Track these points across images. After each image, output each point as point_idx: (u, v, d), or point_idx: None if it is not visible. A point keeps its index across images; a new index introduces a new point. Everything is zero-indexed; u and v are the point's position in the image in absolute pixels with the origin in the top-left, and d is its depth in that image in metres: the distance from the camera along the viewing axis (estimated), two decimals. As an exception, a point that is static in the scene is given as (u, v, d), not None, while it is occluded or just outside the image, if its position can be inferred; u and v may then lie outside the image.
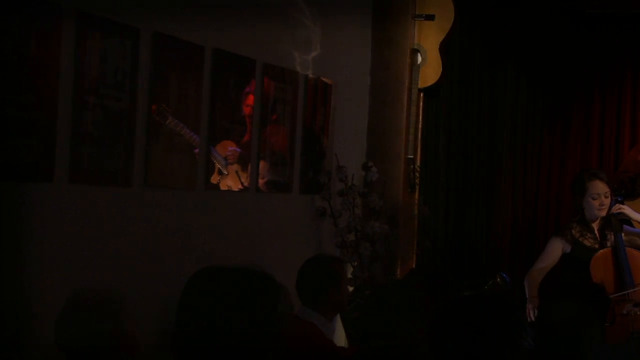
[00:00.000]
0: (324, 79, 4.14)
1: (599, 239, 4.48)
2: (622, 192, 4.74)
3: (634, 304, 4.32)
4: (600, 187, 4.40)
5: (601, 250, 4.39)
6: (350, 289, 3.88)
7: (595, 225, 4.49)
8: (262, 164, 3.73)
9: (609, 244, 4.44)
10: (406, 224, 4.51)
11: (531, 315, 4.23)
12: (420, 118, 4.64)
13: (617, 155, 5.69)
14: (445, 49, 4.56)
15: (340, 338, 3.81)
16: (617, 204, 4.52)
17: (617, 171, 5.32)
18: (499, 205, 5.52)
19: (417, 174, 4.60)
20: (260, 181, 3.74)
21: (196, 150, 3.35)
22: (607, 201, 4.42)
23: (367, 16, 4.44)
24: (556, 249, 4.53)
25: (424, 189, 4.76)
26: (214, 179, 3.48)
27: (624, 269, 4.35)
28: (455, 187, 5.11)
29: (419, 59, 4.54)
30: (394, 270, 4.34)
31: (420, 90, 4.55)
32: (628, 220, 4.55)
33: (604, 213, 4.43)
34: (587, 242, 4.49)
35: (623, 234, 4.44)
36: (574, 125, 5.87)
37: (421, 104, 4.63)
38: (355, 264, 4.05)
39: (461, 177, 5.17)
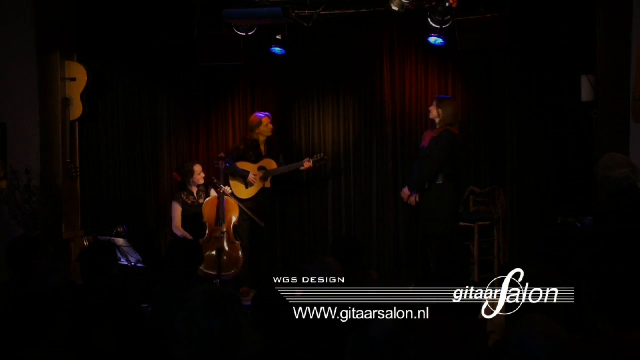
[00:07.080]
0: (2, 121, 7.44)
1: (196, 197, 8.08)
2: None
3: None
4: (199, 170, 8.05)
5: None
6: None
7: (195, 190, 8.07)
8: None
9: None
10: (69, 198, 7.87)
11: None
12: (77, 136, 7.98)
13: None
14: (84, 96, 7.90)
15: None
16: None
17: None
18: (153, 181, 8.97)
19: (77, 170, 7.94)
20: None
21: None
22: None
23: (34, 80, 7.72)
24: (177, 208, 8.08)
25: (86, 178, 8.16)
26: None
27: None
28: (114, 174, 8.51)
29: (70, 103, 7.86)
30: (59, 224, 7.69)
31: (72, 121, 7.89)
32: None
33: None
34: (190, 200, 8.05)
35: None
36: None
37: (77, 128, 7.98)
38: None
39: (117, 168, 8.58)
